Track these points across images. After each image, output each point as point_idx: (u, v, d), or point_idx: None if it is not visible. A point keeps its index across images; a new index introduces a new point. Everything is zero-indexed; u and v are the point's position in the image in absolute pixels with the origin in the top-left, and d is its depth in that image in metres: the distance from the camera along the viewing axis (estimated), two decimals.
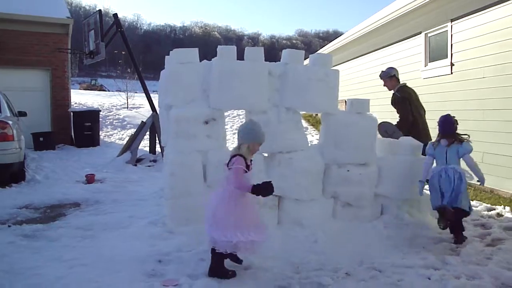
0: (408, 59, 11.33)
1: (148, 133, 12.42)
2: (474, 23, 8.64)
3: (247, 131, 4.20)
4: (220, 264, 4.21)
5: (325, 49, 17.82)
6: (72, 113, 15.33)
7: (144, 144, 13.13)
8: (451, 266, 4.56)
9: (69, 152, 13.82)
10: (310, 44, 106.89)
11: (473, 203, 7.22)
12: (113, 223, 5.96)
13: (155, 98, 9.00)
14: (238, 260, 4.35)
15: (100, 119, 16.04)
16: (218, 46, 5.90)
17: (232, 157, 4.10)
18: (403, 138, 6.55)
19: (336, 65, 14.97)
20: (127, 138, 14.32)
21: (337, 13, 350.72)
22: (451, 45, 9.42)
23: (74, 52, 15.61)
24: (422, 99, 10.39)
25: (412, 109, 7.21)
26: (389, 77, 7.73)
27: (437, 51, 10.16)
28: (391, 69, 7.83)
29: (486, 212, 6.82)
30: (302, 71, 5.88)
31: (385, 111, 12.17)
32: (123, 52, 18.82)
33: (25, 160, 9.66)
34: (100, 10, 12.78)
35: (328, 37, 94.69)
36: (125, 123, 18.60)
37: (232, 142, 15.10)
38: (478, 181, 5.43)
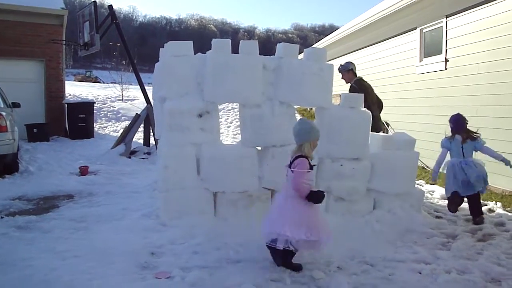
0: (403, 54, 11.35)
1: (142, 125, 12.39)
2: (469, 19, 8.66)
3: (306, 130, 4.26)
4: (290, 259, 4.27)
5: (320, 44, 17.81)
6: (66, 105, 15.26)
7: (138, 137, 13.10)
8: (442, 260, 4.61)
9: (63, 144, 13.77)
10: (306, 38, 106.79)
11: (465, 198, 7.27)
12: (106, 215, 5.97)
13: (150, 90, 8.98)
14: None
15: (94, 111, 15.97)
16: (213, 39, 5.89)
17: (295, 158, 4.16)
18: (397, 133, 6.57)
19: (331, 60, 14.98)
20: (121, 130, 14.28)
21: (333, 7, 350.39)
22: (446, 41, 9.44)
23: (68, 44, 15.53)
24: (417, 94, 10.47)
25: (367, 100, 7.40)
26: (347, 70, 8.24)
27: (432, 47, 10.18)
28: (348, 63, 8.33)
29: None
30: (296, 65, 5.89)
31: None
32: (118, 44, 18.72)
33: (18, 151, 9.64)
34: (95, 1, 12.67)
35: (324, 31, 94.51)
36: (120, 115, 18.53)
37: (226, 135, 15.11)
38: (505, 163, 6.16)
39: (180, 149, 5.61)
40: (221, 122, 16.22)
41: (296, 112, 6.36)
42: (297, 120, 4.48)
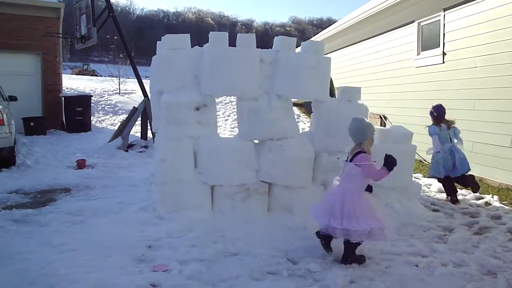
0: (401, 48, 11.34)
1: (139, 119, 12.36)
2: (467, 13, 8.64)
3: (363, 129, 4.39)
4: (353, 252, 4.31)
5: (318, 37, 17.77)
6: (63, 98, 15.20)
7: (136, 130, 13.08)
8: (438, 253, 4.63)
9: (60, 137, 13.74)
10: (303, 31, 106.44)
11: (462, 191, 7.32)
12: (103, 209, 5.97)
13: (147, 83, 8.96)
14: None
15: (91, 104, 15.92)
16: (210, 32, 5.87)
17: (356, 154, 4.29)
18: (394, 126, 6.58)
19: (328, 53, 14.96)
20: (118, 124, 14.26)
21: (331, 0, 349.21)
22: (444, 34, 9.43)
23: (65, 37, 15.43)
24: (414, 87, 10.47)
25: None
26: None
27: (429, 40, 10.17)
28: None
29: (474, 201, 6.90)
30: (293, 58, 5.87)
31: (377, 99, 12.24)
32: (115, 37, 18.61)
33: (15, 145, 9.61)
34: None
35: (322, 24, 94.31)
36: (117, 108, 18.48)
37: (224, 129, 15.09)
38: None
39: (177, 142, 5.61)
40: (219, 115, 16.19)
41: (294, 105, 6.36)
42: (352, 119, 4.55)
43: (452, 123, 7.03)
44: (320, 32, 18.68)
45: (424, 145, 8.86)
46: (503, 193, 7.25)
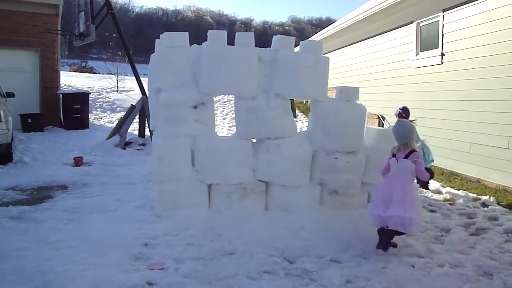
0: (400, 48, 11.34)
1: (137, 116, 12.35)
2: (466, 14, 8.64)
3: (410, 130, 4.90)
4: (391, 238, 4.71)
5: (317, 36, 17.76)
6: (61, 95, 15.17)
7: (134, 128, 13.07)
8: (435, 254, 4.64)
9: (57, 134, 13.72)
10: (302, 30, 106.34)
11: (459, 192, 7.34)
12: (100, 206, 5.96)
13: (145, 81, 8.95)
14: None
15: (89, 102, 15.90)
16: (209, 30, 5.86)
17: (410, 152, 4.73)
18: (392, 126, 6.57)
19: (327, 53, 14.97)
20: (116, 121, 14.24)
21: (330, 0, 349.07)
22: (443, 35, 9.43)
23: (64, 34, 15.40)
24: (413, 88, 10.47)
25: None
26: None
27: (428, 41, 10.16)
28: None
29: (471, 202, 6.90)
30: (292, 57, 5.87)
31: (375, 99, 12.24)
32: (114, 35, 18.60)
33: (13, 141, 9.59)
34: None
35: (321, 24, 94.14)
36: (115, 106, 18.46)
37: (222, 127, 15.09)
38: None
39: (175, 140, 5.61)
40: (217, 114, 16.17)
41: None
42: (397, 122, 5.14)
43: (414, 123, 7.11)
44: (319, 32, 18.68)
45: None
46: (500, 194, 7.25)
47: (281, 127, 5.79)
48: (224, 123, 16.10)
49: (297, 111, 17.24)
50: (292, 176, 5.75)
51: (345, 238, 5.05)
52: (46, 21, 14.86)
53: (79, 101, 14.88)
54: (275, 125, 5.73)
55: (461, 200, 6.97)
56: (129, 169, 8.96)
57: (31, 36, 14.59)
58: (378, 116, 12.04)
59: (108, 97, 19.50)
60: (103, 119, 16.84)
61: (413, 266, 4.32)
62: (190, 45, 5.95)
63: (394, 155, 4.86)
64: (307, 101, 16.60)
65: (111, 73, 23.44)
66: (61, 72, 17.51)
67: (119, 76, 22.36)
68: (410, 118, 7.21)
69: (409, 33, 10.84)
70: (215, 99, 6.16)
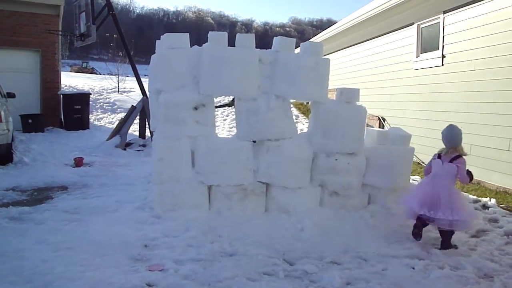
0: (400, 50, 11.33)
1: (138, 117, 12.35)
2: (467, 16, 8.64)
3: (460, 136, 5.08)
4: (451, 238, 4.94)
5: (318, 38, 17.76)
6: (62, 96, 15.16)
7: (134, 129, 13.07)
8: (435, 256, 4.63)
9: (58, 135, 13.71)
10: (303, 32, 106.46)
11: None
12: (100, 207, 5.96)
13: (146, 82, 8.96)
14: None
15: (90, 102, 15.89)
16: (210, 31, 5.86)
17: (457, 157, 4.97)
18: (392, 128, 6.57)
19: (328, 54, 14.97)
20: (117, 122, 14.23)
21: (331, 1, 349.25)
22: (443, 37, 9.43)
23: (65, 34, 15.41)
24: (413, 90, 10.47)
25: None
26: None
27: (429, 43, 10.16)
28: None
29: (472, 204, 6.88)
30: (292, 59, 5.87)
31: (376, 101, 12.24)
32: (115, 35, 18.59)
33: (13, 142, 9.58)
34: None
35: (322, 25, 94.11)
36: (116, 107, 18.46)
37: (222, 129, 15.09)
38: None
39: (175, 141, 5.60)
40: (217, 115, 16.15)
41: (293, 106, 6.35)
42: (448, 126, 5.18)
43: None
44: (320, 33, 18.67)
45: (422, 147, 8.89)
46: (501, 196, 7.25)
47: (282, 128, 5.79)
48: (225, 125, 16.09)
49: (297, 112, 17.23)
50: (292, 178, 5.75)
51: (345, 240, 5.05)
52: (47, 21, 14.85)
53: (80, 102, 14.87)
54: (276, 126, 5.73)
55: None
56: (129, 170, 8.96)
57: (32, 37, 14.59)
58: (379, 118, 12.04)
59: (108, 98, 19.49)
60: (104, 120, 16.83)
61: (413, 268, 4.31)
62: (191, 46, 5.95)
63: (439, 156, 5.09)
64: (308, 103, 16.61)
65: (111, 74, 23.46)
66: (62, 73, 17.52)
67: (119, 77, 22.36)
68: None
69: (410, 34, 10.84)
70: (215, 100, 6.15)
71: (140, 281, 3.78)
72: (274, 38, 6.17)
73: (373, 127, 10.90)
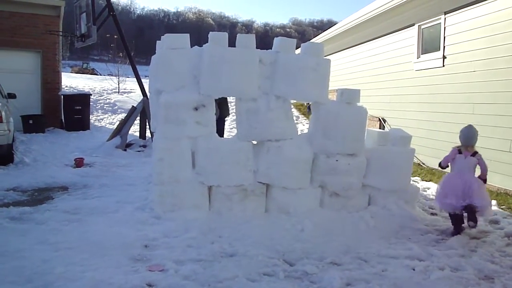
0: (401, 51, 11.33)
1: (138, 118, 12.35)
2: (468, 17, 8.64)
3: (476, 136, 5.57)
4: (474, 215, 5.30)
5: (318, 39, 17.76)
6: (62, 96, 15.17)
7: (134, 129, 13.07)
8: (435, 257, 4.61)
9: (58, 136, 13.72)
10: (304, 33, 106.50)
11: None
12: (100, 208, 5.96)
13: (146, 83, 8.96)
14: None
15: (90, 103, 15.90)
16: (210, 32, 5.86)
17: (475, 153, 5.53)
18: (393, 129, 6.57)
19: (328, 55, 14.96)
20: (117, 123, 14.24)
21: (332, 2, 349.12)
22: (444, 37, 9.43)
23: (65, 35, 15.43)
24: (414, 91, 10.47)
25: None
26: None
27: (430, 44, 10.16)
28: None
29: None
30: (293, 59, 5.87)
31: (376, 102, 12.24)
32: (115, 36, 18.60)
33: (14, 142, 9.59)
34: None
35: (322, 26, 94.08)
36: (116, 107, 18.47)
37: None
38: None
39: (176, 142, 5.60)
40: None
41: (293, 107, 6.35)
42: (467, 126, 5.65)
43: None
44: (320, 34, 18.69)
45: (423, 148, 8.89)
46: (502, 197, 7.24)
47: (282, 129, 5.79)
48: (225, 125, 16.07)
49: (297, 113, 17.22)
50: (292, 178, 5.75)
51: (346, 241, 5.04)
52: (47, 22, 14.87)
53: (80, 103, 14.89)
54: (276, 127, 5.73)
55: None
56: (130, 170, 8.96)
57: (32, 38, 14.60)
58: (379, 119, 12.04)
59: (109, 99, 19.50)
60: (104, 121, 16.84)
61: (413, 269, 4.30)
62: (191, 46, 5.95)
63: (459, 152, 5.55)
64: (308, 103, 16.60)
65: (112, 75, 23.47)
66: (63, 74, 17.54)
67: (120, 78, 22.37)
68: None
69: (411, 35, 10.85)
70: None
71: (140, 281, 3.78)
72: (275, 38, 6.17)
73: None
